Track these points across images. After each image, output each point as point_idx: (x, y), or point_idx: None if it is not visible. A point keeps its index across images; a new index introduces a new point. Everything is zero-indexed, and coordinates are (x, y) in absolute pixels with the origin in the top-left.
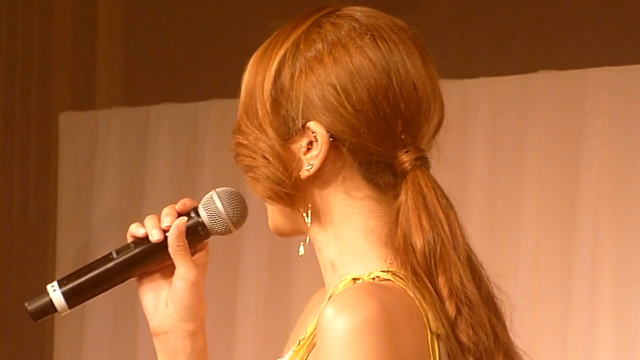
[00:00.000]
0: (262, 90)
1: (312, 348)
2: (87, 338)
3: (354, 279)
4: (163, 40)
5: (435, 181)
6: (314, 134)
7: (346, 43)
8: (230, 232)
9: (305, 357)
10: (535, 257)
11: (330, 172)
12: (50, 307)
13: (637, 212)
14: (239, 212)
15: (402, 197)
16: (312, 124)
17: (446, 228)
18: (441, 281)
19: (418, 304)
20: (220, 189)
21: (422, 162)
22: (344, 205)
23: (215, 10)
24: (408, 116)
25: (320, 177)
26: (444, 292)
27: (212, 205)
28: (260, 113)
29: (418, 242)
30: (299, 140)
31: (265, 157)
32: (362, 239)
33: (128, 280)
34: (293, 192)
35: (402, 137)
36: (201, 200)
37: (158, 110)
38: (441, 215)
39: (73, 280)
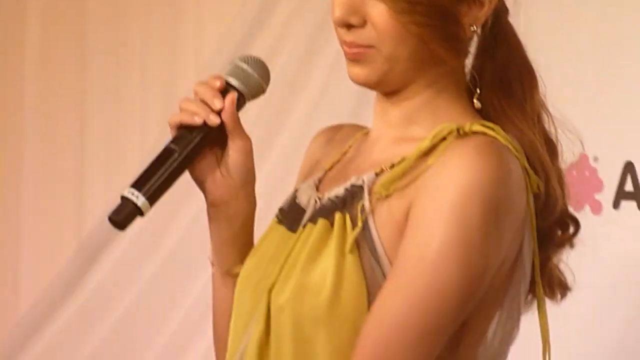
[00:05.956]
0: None
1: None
2: None
3: (459, 130)
4: None
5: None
6: None
7: None
8: (264, 92)
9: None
10: None
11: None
12: (135, 211)
13: None
14: (264, 69)
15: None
16: None
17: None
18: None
19: (520, 163)
20: (239, 57)
21: None
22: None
23: None
24: None
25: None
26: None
27: (240, 72)
28: None
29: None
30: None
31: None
32: (455, 93)
33: None
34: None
35: None
36: (226, 72)
37: None
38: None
39: (147, 182)
